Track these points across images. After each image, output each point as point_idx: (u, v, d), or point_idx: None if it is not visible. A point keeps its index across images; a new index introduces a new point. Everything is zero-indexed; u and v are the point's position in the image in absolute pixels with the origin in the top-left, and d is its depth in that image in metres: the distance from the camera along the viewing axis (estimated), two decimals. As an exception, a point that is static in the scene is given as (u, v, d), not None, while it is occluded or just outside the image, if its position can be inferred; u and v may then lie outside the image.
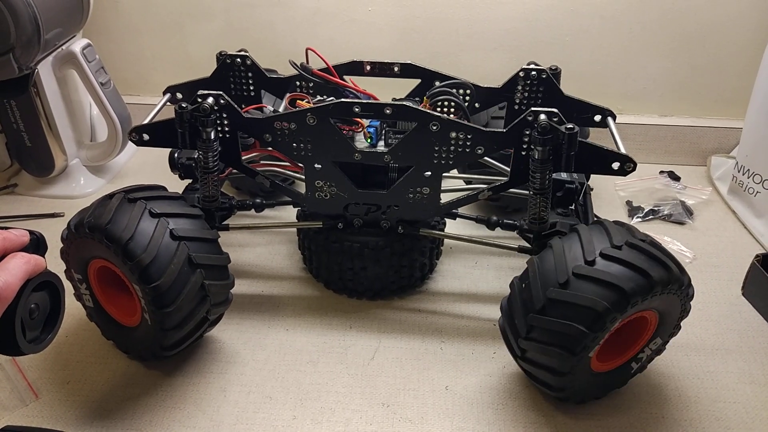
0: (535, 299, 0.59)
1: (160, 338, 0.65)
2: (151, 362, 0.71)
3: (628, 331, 0.63)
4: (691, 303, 0.63)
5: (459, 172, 0.85)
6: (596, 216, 0.72)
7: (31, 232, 0.52)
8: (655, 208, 0.98)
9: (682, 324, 0.65)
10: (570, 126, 0.63)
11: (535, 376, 0.63)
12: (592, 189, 0.85)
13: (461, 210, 0.78)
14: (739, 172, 0.98)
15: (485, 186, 0.71)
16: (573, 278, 0.57)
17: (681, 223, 0.96)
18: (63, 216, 0.96)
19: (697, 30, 1.02)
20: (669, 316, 0.62)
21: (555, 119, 0.64)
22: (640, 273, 0.57)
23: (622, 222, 0.64)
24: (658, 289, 0.57)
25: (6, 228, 0.50)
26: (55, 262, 0.63)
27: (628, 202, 1.00)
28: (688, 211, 0.97)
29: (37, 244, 0.52)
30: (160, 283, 0.61)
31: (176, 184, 0.83)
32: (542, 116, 0.64)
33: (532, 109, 0.64)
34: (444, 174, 0.70)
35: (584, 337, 0.57)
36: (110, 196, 0.66)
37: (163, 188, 0.69)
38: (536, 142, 0.64)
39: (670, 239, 0.91)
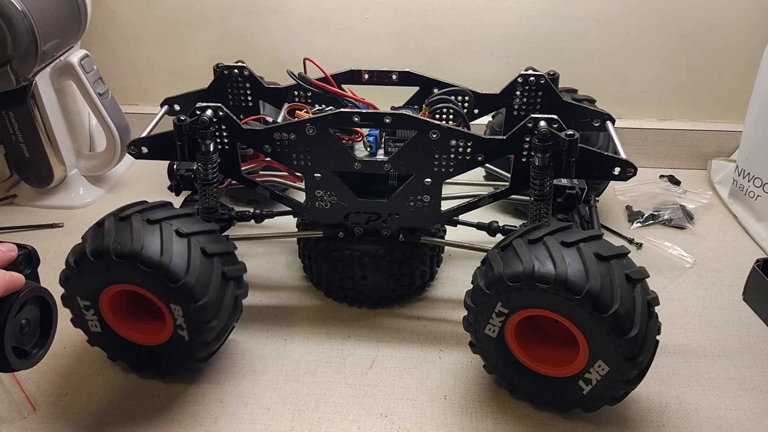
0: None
1: (197, 351, 0.66)
2: (159, 375, 0.70)
3: (559, 338, 0.64)
4: (636, 348, 0.56)
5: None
6: (603, 225, 0.71)
7: (22, 246, 0.51)
8: (655, 213, 0.97)
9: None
10: (570, 132, 0.63)
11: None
12: (598, 200, 0.85)
13: (461, 216, 0.77)
14: (739, 175, 0.97)
15: (486, 193, 0.71)
16: (488, 257, 0.64)
17: (681, 228, 0.95)
18: (62, 226, 0.96)
19: (695, 33, 1.02)
20: (599, 338, 0.58)
21: (555, 126, 0.64)
22: (519, 260, 0.59)
23: (600, 233, 0.62)
24: (529, 282, 0.58)
25: (1, 241, 0.50)
26: (52, 273, 0.62)
27: (628, 207, 0.99)
28: (689, 216, 0.97)
29: (29, 259, 0.52)
30: (207, 301, 0.62)
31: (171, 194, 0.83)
32: (542, 123, 0.64)
33: (532, 116, 0.64)
34: (445, 181, 0.70)
35: (470, 311, 0.64)
36: (122, 218, 0.63)
37: (170, 204, 0.68)
38: (536, 148, 0.64)
39: (671, 244, 0.90)
